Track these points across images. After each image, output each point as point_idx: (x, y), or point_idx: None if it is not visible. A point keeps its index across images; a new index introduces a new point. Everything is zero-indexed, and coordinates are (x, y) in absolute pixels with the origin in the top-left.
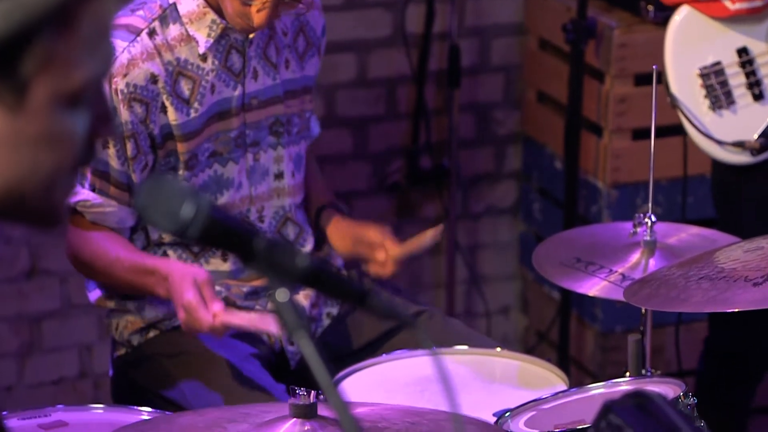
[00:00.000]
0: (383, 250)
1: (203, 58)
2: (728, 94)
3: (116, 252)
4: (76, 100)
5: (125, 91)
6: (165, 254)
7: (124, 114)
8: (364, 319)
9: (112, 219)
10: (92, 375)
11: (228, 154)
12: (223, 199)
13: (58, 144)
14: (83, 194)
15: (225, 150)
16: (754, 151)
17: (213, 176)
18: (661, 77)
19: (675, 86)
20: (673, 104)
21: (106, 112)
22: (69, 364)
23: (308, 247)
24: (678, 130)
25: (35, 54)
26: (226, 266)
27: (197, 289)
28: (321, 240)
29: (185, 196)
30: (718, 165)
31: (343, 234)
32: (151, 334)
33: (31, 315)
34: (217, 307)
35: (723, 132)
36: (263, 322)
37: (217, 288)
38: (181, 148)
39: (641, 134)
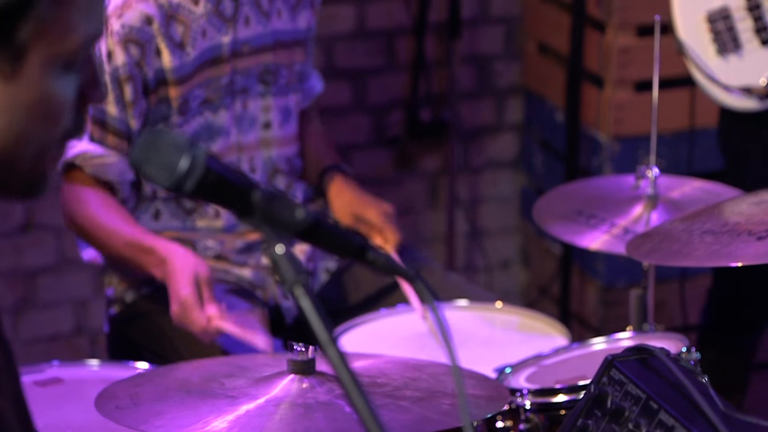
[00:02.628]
0: (381, 235)
1: (195, 1)
2: (735, 39)
3: (115, 222)
4: (70, 65)
5: (120, 32)
6: (157, 211)
7: (120, 56)
8: (363, 275)
9: (113, 171)
10: (88, 331)
11: (219, 101)
12: (214, 148)
13: (51, 109)
14: (83, 146)
15: (216, 97)
16: (762, 96)
17: (204, 124)
18: (665, 26)
19: (682, 31)
20: (680, 49)
21: (94, 75)
22: (64, 319)
23: (300, 198)
24: (682, 82)
25: (32, 21)
26: (219, 223)
27: (196, 286)
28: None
29: (181, 147)
30: (725, 113)
31: (346, 207)
32: (145, 290)
33: (26, 270)
34: (212, 310)
35: (730, 77)
36: (254, 338)
37: (211, 243)
38: (173, 93)
39: (644, 86)
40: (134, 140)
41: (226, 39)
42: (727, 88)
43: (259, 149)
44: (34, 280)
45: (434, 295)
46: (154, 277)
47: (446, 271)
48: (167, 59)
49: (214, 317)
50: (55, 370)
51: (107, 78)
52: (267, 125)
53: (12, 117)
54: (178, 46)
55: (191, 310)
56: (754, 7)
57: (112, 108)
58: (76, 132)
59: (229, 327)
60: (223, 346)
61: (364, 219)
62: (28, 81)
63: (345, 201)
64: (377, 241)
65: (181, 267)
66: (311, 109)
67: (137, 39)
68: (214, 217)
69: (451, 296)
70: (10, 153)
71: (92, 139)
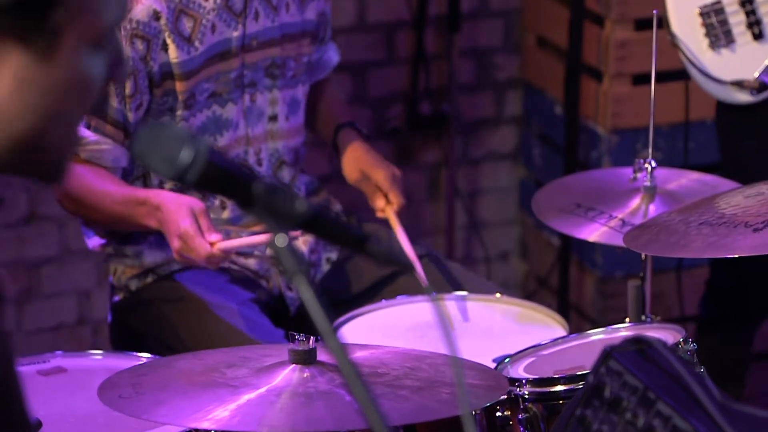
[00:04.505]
0: (385, 198)
1: None
2: (728, 33)
3: (105, 185)
4: (100, 45)
5: (128, 27)
6: None
7: (126, 51)
8: (364, 265)
9: (108, 157)
10: (91, 321)
11: (227, 94)
12: (222, 140)
13: (83, 89)
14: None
15: (225, 90)
16: (754, 90)
17: (212, 117)
18: (662, 19)
19: (675, 25)
20: (674, 43)
21: (120, 55)
22: (67, 310)
23: (303, 191)
24: (679, 75)
25: (66, 3)
26: (225, 214)
27: (194, 218)
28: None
29: (183, 140)
30: (721, 106)
31: (355, 163)
32: (149, 279)
33: (30, 261)
34: (214, 236)
35: (722, 71)
36: (259, 238)
37: (217, 235)
38: (179, 87)
39: (641, 79)
40: (133, 132)
41: (235, 34)
42: (719, 82)
43: (266, 141)
44: (37, 270)
45: (436, 286)
46: (150, 227)
47: (447, 261)
48: (174, 54)
49: (216, 241)
50: (58, 359)
51: None
52: (273, 118)
53: (48, 98)
54: (185, 41)
55: (192, 238)
56: (746, 2)
57: (112, 99)
58: (98, 110)
59: (233, 243)
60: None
61: (372, 178)
62: (62, 62)
63: (355, 157)
64: (380, 202)
65: (176, 206)
66: (328, 77)
67: (143, 34)
68: (220, 209)
69: (451, 286)
70: (45, 133)
71: (88, 126)
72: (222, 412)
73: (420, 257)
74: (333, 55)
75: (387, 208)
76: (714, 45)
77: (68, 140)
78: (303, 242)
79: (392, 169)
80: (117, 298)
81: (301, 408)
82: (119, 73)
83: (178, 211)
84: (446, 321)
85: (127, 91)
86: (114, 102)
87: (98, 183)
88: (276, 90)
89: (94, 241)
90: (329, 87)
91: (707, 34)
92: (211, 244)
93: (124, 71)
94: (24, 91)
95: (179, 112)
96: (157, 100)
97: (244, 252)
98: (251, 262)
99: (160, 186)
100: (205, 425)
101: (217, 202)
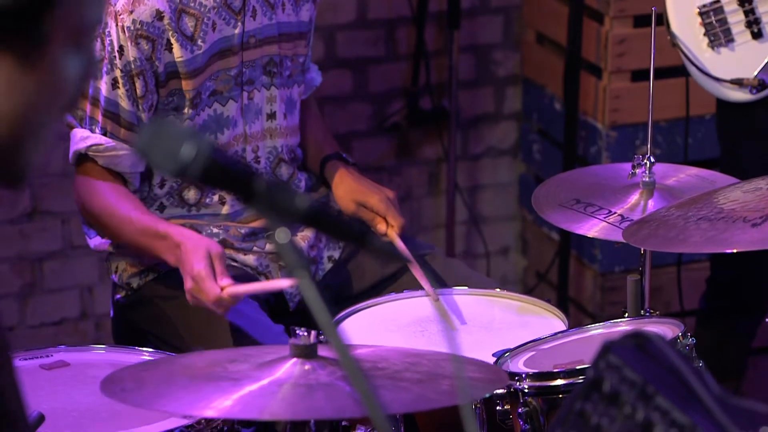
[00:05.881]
0: (385, 222)
1: None
2: (727, 32)
3: (128, 211)
4: (80, 46)
5: (132, 27)
6: (162, 204)
7: (132, 51)
8: (366, 263)
9: (125, 162)
10: (93, 316)
11: (228, 92)
12: (222, 138)
13: (60, 92)
14: (95, 138)
15: (225, 88)
16: (753, 88)
17: (213, 115)
18: (661, 17)
19: (675, 24)
20: (673, 42)
21: (93, 53)
22: (70, 304)
23: (302, 188)
24: (678, 71)
25: (56, 12)
26: (224, 210)
27: (209, 261)
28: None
29: (185, 137)
30: (720, 103)
31: (347, 195)
32: (150, 277)
33: (33, 256)
34: (225, 280)
35: (722, 69)
36: (273, 283)
37: (215, 230)
38: (186, 86)
39: (641, 75)
40: (140, 128)
41: (235, 31)
42: (719, 80)
43: (264, 139)
44: (40, 265)
45: (438, 281)
46: (168, 262)
47: (447, 257)
48: (178, 53)
49: (227, 286)
50: (61, 354)
51: (119, 73)
52: (272, 116)
53: (28, 102)
54: (189, 40)
55: (204, 281)
56: (745, 1)
57: (124, 102)
58: (70, 109)
59: (242, 289)
60: (234, 323)
61: (367, 205)
62: (46, 66)
63: (347, 189)
64: (381, 227)
65: (194, 247)
66: (310, 99)
67: (148, 34)
68: (219, 204)
69: (451, 282)
70: (19, 135)
71: (105, 133)
72: (224, 402)
73: (422, 255)
74: (315, 76)
75: (389, 231)
76: (713, 44)
77: (39, 145)
78: (302, 238)
79: (384, 193)
80: (118, 296)
81: (302, 398)
82: (93, 71)
83: (195, 253)
84: (449, 326)
85: (138, 92)
86: (126, 104)
87: (120, 206)
88: (274, 88)
89: (95, 241)
90: (312, 113)
91: (706, 34)
92: (222, 288)
93: (97, 69)
94: (8, 95)
95: (186, 111)
96: (162, 99)
97: (243, 249)
98: (250, 259)
99: (161, 183)
100: (208, 413)
101: (216, 198)
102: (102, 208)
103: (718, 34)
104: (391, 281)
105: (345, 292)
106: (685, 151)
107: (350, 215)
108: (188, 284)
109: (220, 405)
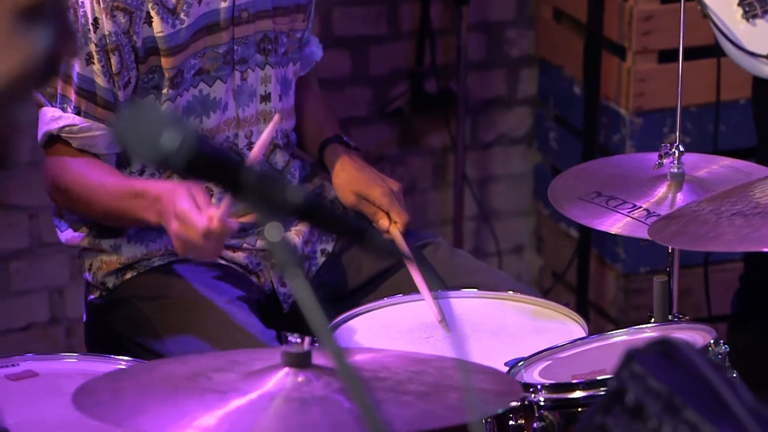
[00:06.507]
0: (387, 218)
1: None
2: (763, 2)
3: (100, 177)
4: (35, 14)
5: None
6: None
7: (107, 24)
8: (363, 256)
9: (101, 144)
10: (64, 320)
11: (215, 71)
12: (209, 122)
13: (13, 52)
14: (68, 118)
15: (212, 67)
16: None
17: (198, 96)
18: None
19: None
20: (704, 13)
21: (68, 29)
22: (39, 308)
23: (297, 176)
24: (711, 51)
25: None
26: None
27: (191, 197)
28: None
29: (167, 123)
30: (757, 83)
31: (348, 185)
32: (128, 275)
33: None
34: (213, 210)
35: (757, 43)
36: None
37: None
38: (165, 63)
39: (668, 56)
40: (118, 112)
41: (224, 4)
42: (753, 55)
43: (258, 124)
44: (5, 265)
45: (441, 282)
46: (150, 222)
47: (454, 248)
48: (158, 27)
49: (215, 215)
50: (29, 363)
51: (93, 47)
52: (266, 98)
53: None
54: (170, 13)
55: (189, 216)
56: None
57: (100, 79)
58: (44, 81)
59: (234, 222)
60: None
61: (369, 198)
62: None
63: (348, 178)
64: (383, 223)
65: (174, 191)
66: (310, 75)
67: (125, 6)
68: None
69: (459, 277)
70: None
71: (78, 112)
72: (209, 420)
73: (424, 246)
74: (315, 50)
75: (392, 228)
76: (748, 15)
77: (13, 122)
78: (296, 233)
79: (389, 185)
80: (92, 296)
81: (295, 414)
82: (71, 46)
83: (175, 193)
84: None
85: (114, 68)
86: (102, 81)
87: (91, 174)
88: (269, 67)
89: (67, 234)
90: (312, 91)
91: (740, 4)
92: (210, 217)
93: (77, 45)
94: None
95: (165, 91)
96: (142, 77)
97: (232, 245)
98: (239, 256)
99: (141, 170)
100: None
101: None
102: (72, 179)
103: (753, 4)
104: (389, 276)
105: (340, 289)
106: (716, 140)
107: (349, 208)
108: (173, 226)
109: (205, 423)
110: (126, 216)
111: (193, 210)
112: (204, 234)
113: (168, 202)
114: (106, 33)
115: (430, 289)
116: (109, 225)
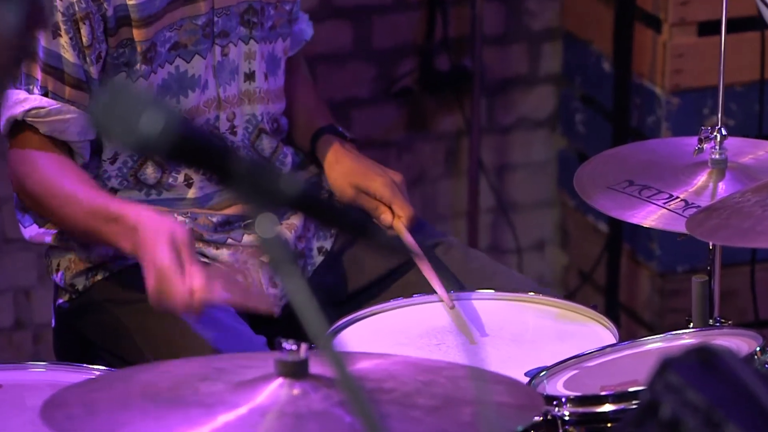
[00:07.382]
0: (390, 213)
1: None
2: None
3: (73, 188)
4: None
5: None
6: (113, 188)
7: None
8: (365, 255)
9: (73, 129)
10: (31, 325)
11: (193, 45)
12: (187, 102)
13: None
14: (34, 100)
15: (190, 41)
16: None
17: (175, 74)
18: None
19: None
20: None
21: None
22: (3, 312)
23: (288, 164)
24: (756, 23)
25: None
26: (190, 193)
27: (175, 251)
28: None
29: (147, 104)
30: None
31: (344, 178)
32: (99, 276)
33: None
34: (197, 280)
35: None
36: (257, 299)
37: (180, 218)
38: (138, 35)
39: (709, 28)
40: (94, 93)
41: None
42: None
43: (241, 105)
44: None
45: (456, 282)
46: (123, 250)
47: (468, 248)
48: None
49: (198, 290)
50: None
51: (60, 17)
52: (250, 76)
53: None
54: None
55: (170, 280)
56: None
57: (68, 54)
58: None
59: (221, 296)
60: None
61: (369, 191)
62: None
63: (344, 170)
64: (385, 217)
65: (155, 232)
66: (298, 57)
67: None
68: (185, 187)
69: (474, 280)
70: None
71: (45, 93)
72: None
73: (434, 246)
74: (305, 28)
75: (396, 222)
76: None
77: None
78: (288, 227)
79: (390, 176)
80: (61, 300)
81: (291, 431)
82: (42, 19)
83: (156, 240)
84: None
85: (84, 40)
86: (71, 56)
87: (64, 182)
88: (253, 42)
89: (31, 231)
90: (300, 76)
91: None
92: (192, 291)
93: (49, 17)
94: None
95: (138, 67)
96: (111, 52)
97: (215, 241)
98: (224, 254)
99: (114, 157)
100: None
101: (180, 178)
102: (42, 185)
103: None
104: (396, 278)
105: (340, 292)
106: (760, 122)
107: (348, 203)
108: (150, 281)
109: None
110: (98, 237)
111: (176, 273)
112: (182, 307)
113: (147, 247)
114: (75, 0)
115: (445, 289)
116: (81, 239)
